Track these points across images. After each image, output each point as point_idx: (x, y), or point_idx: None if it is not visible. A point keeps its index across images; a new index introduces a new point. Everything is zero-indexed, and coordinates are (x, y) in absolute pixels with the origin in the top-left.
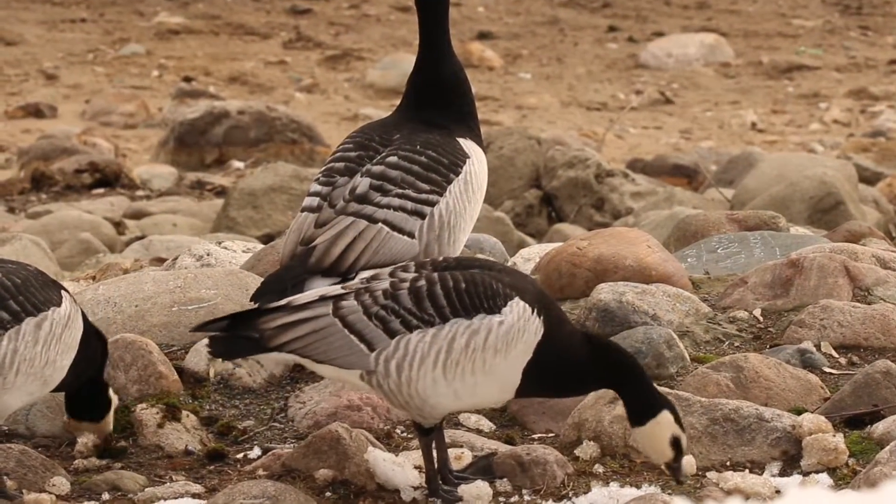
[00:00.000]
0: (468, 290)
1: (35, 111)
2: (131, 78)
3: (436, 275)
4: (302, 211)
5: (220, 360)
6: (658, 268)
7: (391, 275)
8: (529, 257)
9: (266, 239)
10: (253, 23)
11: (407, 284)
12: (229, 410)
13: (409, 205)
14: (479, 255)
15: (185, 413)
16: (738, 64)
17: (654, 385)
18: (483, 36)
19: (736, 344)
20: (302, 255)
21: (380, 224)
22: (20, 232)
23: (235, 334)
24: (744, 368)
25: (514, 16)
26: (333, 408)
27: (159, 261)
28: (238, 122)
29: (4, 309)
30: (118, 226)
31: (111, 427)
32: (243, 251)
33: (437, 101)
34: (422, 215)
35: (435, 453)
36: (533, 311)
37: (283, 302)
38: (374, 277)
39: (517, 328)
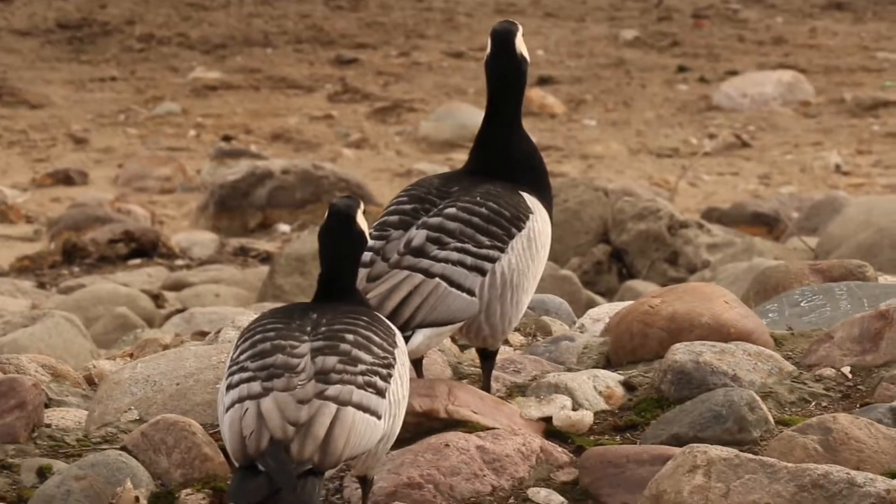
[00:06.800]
0: None
1: (64, 178)
2: (166, 139)
3: None
4: None
5: None
6: (737, 325)
7: None
8: (598, 317)
9: None
10: (295, 75)
11: None
12: None
13: (469, 260)
14: (545, 318)
15: None
16: (818, 102)
17: None
18: (544, 81)
19: (823, 404)
20: None
21: (437, 279)
22: (52, 309)
23: None
24: (832, 430)
25: (576, 58)
26: (392, 486)
27: (201, 335)
28: (282, 183)
29: None
30: (157, 298)
31: None
32: None
33: (504, 167)
34: (482, 272)
35: None
36: None
37: None
38: None
39: None
